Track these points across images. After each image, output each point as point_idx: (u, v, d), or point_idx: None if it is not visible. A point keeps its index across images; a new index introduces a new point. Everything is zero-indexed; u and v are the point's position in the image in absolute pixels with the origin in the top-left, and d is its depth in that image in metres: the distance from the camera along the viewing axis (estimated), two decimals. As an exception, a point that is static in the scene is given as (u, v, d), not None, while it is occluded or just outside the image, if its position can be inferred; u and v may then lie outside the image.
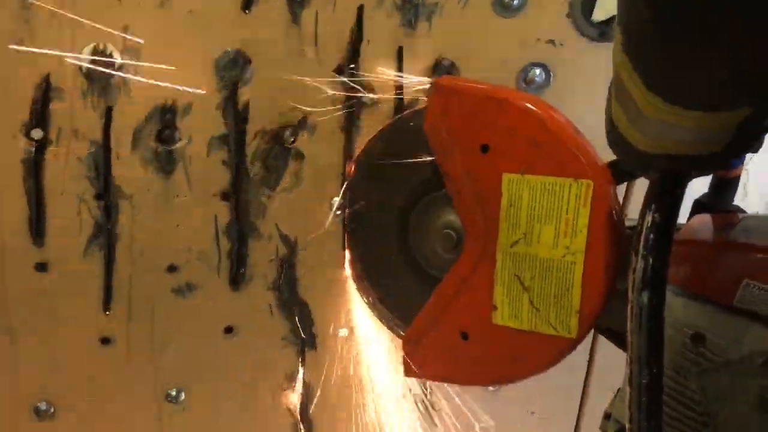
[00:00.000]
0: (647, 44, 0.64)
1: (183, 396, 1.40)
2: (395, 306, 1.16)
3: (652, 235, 0.80)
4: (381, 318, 1.20)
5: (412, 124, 1.14)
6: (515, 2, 1.25)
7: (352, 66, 1.25)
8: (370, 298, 1.21)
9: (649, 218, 0.80)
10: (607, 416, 1.06)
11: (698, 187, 1.08)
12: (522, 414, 1.60)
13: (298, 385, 1.43)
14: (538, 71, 1.30)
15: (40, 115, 1.18)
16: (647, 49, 0.64)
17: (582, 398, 1.62)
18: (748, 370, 0.54)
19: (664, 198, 0.80)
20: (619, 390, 1.05)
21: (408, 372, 1.10)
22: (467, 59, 1.29)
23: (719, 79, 0.62)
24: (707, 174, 0.94)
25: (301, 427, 1.46)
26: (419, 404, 1.44)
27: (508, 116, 0.95)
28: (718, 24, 0.55)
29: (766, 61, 0.57)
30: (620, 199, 1.37)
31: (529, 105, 0.94)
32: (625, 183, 1.25)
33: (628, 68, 0.69)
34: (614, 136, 0.84)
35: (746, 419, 0.54)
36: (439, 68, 1.28)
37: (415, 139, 1.05)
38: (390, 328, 1.19)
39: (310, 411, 1.46)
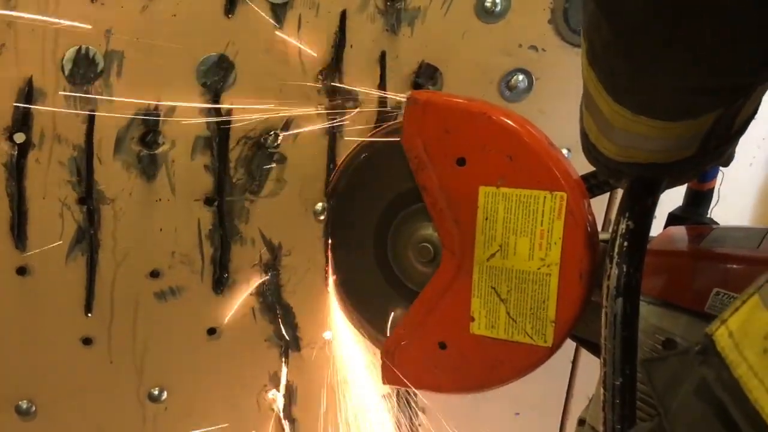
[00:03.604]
0: (610, 58, 0.65)
1: (165, 395, 1.41)
2: (374, 317, 1.17)
3: (625, 243, 0.81)
4: (359, 329, 1.20)
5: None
6: (497, 8, 1.25)
7: (335, 70, 1.26)
8: (350, 310, 1.22)
9: (623, 226, 0.82)
10: (581, 422, 1.08)
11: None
12: (506, 415, 1.61)
13: (281, 385, 1.44)
14: (520, 77, 1.30)
15: (22, 119, 1.18)
16: (611, 62, 0.66)
17: (566, 399, 1.63)
18: (690, 358, 0.57)
19: (638, 206, 0.82)
20: (593, 396, 1.06)
21: (386, 379, 1.11)
22: (450, 64, 1.29)
23: (681, 90, 0.63)
24: (681, 183, 0.96)
25: (285, 426, 1.47)
26: (403, 404, 1.46)
27: (484, 130, 0.96)
28: (677, 40, 0.56)
29: (728, 72, 0.58)
30: (602, 210, 1.38)
31: (504, 119, 0.95)
32: (607, 194, 1.26)
33: (594, 79, 0.70)
34: (586, 145, 0.86)
35: (688, 401, 0.57)
36: (421, 73, 1.29)
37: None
38: (368, 338, 1.20)
39: (293, 411, 1.47)
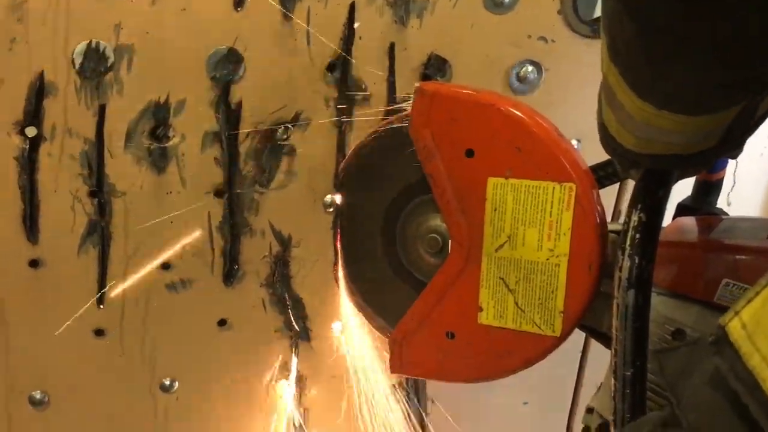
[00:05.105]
0: (633, 54, 0.65)
1: (176, 386, 1.42)
2: (382, 307, 1.18)
3: (638, 235, 0.81)
4: (368, 319, 1.21)
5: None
6: (506, -1, 1.25)
7: (344, 62, 1.26)
8: (358, 300, 1.22)
9: (635, 218, 0.82)
10: (589, 410, 1.08)
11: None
12: (515, 404, 1.61)
13: (292, 376, 1.45)
14: (530, 68, 1.30)
15: (33, 113, 1.19)
16: (634, 59, 0.65)
17: (575, 389, 1.63)
18: (701, 349, 0.57)
19: (649, 198, 0.82)
20: (601, 384, 1.06)
21: (394, 369, 1.11)
22: (459, 56, 1.29)
23: (705, 86, 0.63)
24: (693, 174, 0.96)
25: (295, 416, 1.48)
26: (412, 393, 1.47)
27: (492, 121, 0.95)
28: (700, 37, 0.56)
29: (750, 67, 0.58)
30: (612, 201, 1.38)
31: (513, 110, 0.95)
32: (618, 185, 1.26)
33: (616, 74, 0.70)
34: (605, 137, 0.85)
35: (701, 391, 0.58)
36: (430, 64, 1.29)
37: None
38: (377, 328, 1.20)
39: (303, 401, 1.48)
